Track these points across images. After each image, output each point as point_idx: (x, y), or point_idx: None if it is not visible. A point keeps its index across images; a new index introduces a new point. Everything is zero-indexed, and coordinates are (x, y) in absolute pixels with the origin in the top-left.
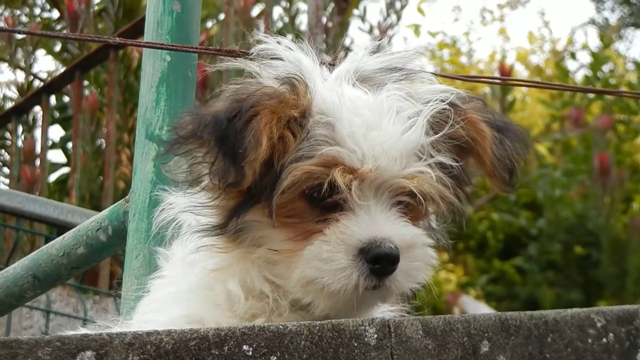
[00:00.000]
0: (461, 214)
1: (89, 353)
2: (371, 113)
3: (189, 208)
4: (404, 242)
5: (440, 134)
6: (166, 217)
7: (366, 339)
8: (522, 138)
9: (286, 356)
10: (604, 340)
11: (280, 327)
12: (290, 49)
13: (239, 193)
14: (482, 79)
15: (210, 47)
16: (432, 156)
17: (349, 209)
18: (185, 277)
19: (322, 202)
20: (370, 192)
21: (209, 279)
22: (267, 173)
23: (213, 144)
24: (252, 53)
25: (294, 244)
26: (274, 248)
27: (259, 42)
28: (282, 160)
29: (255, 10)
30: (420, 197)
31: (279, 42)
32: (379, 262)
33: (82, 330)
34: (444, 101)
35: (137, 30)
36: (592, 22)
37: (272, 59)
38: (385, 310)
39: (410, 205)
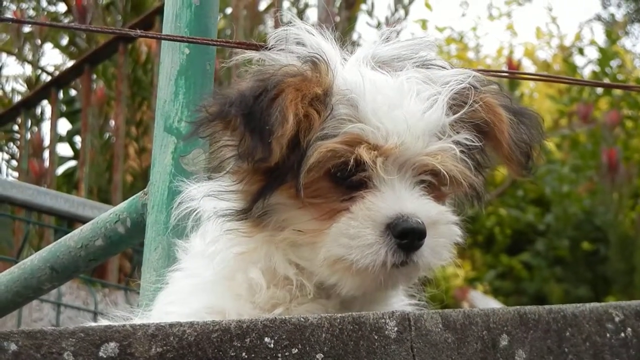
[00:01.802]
0: (481, 198)
1: (112, 344)
2: (393, 92)
3: (213, 193)
4: (429, 218)
5: (461, 112)
6: (186, 209)
7: (386, 332)
8: (537, 123)
9: (307, 348)
10: (622, 334)
11: (302, 319)
12: (310, 33)
13: (263, 176)
14: (490, 72)
15: (230, 40)
16: (452, 135)
17: (374, 187)
18: (206, 269)
19: (347, 180)
20: (394, 169)
21: (230, 269)
22: (292, 152)
23: (239, 121)
24: (273, 38)
25: (320, 223)
26: (299, 229)
27: (280, 23)
28: (308, 137)
29: (263, 4)
30: (445, 173)
31: (299, 27)
32: (406, 236)
33: (105, 322)
34: (463, 82)
35: (146, 24)
36: (598, 18)
37: (292, 43)
38: (404, 304)
39: (432, 185)
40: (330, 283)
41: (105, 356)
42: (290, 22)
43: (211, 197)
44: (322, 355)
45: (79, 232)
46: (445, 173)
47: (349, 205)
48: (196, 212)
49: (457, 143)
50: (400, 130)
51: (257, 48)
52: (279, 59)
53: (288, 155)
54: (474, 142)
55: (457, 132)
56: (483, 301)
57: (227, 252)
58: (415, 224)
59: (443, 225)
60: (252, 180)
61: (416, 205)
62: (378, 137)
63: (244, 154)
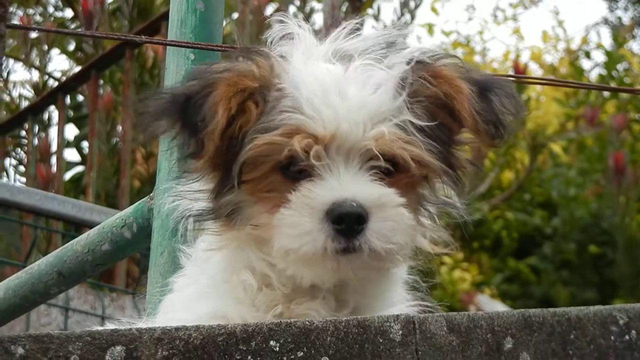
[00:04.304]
0: (456, 181)
1: (118, 348)
2: (333, 81)
3: (184, 194)
4: (372, 202)
5: (404, 95)
6: (182, 213)
7: (391, 335)
8: (508, 91)
9: (312, 352)
10: (627, 337)
11: (307, 323)
12: (299, 26)
13: (218, 173)
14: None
15: (235, 46)
16: (396, 117)
17: (317, 175)
18: (203, 274)
19: (294, 172)
20: (340, 157)
21: (223, 272)
22: (234, 146)
23: (173, 118)
24: (279, 36)
25: (270, 217)
26: (255, 223)
27: (279, 21)
28: (244, 130)
29: (270, 10)
30: (392, 156)
31: (289, 19)
32: (342, 221)
33: (112, 326)
34: (411, 62)
35: (153, 29)
36: (605, 21)
37: (283, 35)
38: (407, 305)
39: (390, 171)
40: (289, 275)
41: None
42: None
43: (184, 198)
44: (328, 359)
45: (85, 237)
46: (388, 157)
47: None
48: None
49: (410, 123)
50: (338, 117)
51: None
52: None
53: (229, 151)
54: (428, 120)
55: (414, 112)
56: (490, 305)
57: (217, 255)
58: (350, 207)
59: (390, 208)
60: (209, 177)
61: (356, 189)
62: (314, 126)
63: (178, 149)
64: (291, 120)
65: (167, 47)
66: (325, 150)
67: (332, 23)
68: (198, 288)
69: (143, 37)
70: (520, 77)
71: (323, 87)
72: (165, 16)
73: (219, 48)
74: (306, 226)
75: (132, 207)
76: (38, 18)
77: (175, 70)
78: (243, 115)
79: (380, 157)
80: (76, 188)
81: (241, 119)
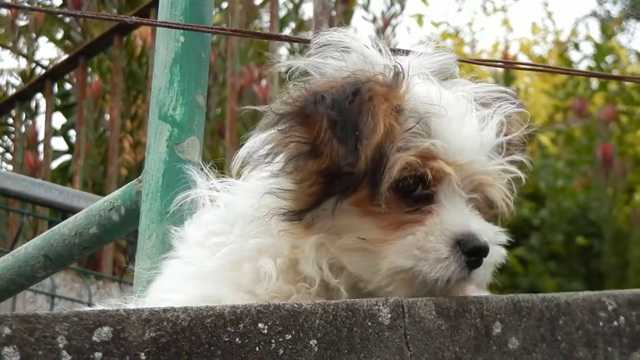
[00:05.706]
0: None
1: (106, 329)
2: (458, 109)
3: (271, 191)
4: (489, 238)
5: (515, 134)
6: (187, 197)
7: (380, 319)
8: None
9: (301, 334)
10: (615, 323)
11: (296, 305)
12: (366, 46)
13: (325, 179)
14: (487, 62)
15: (225, 27)
16: (507, 155)
17: (439, 202)
18: (205, 258)
19: (413, 193)
20: (455, 187)
21: (237, 258)
22: (371, 160)
23: (327, 122)
24: (321, 43)
25: (385, 233)
26: (363, 237)
27: (328, 34)
28: (390, 148)
29: None
30: (495, 194)
31: (347, 33)
32: (475, 254)
33: (99, 307)
34: (513, 103)
35: (141, 16)
36: (594, 14)
37: (342, 50)
38: None
39: (478, 203)
40: (379, 290)
41: (99, 340)
42: (281, 22)
43: (269, 195)
44: (316, 341)
45: (73, 220)
46: (495, 194)
47: (418, 218)
48: (195, 199)
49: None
50: (467, 148)
51: (255, 36)
52: (323, 65)
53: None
54: (523, 162)
55: (509, 152)
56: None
57: (242, 243)
58: (484, 242)
59: (496, 245)
60: (315, 181)
61: (479, 223)
62: (448, 154)
63: (329, 155)
64: (426, 144)
65: (157, 30)
66: (451, 178)
67: (322, 12)
68: (193, 270)
69: (134, 17)
70: (511, 62)
71: (454, 114)
72: (154, 3)
73: (210, 30)
74: (443, 253)
75: (120, 190)
76: (26, 5)
77: (165, 52)
78: (388, 131)
79: (485, 193)
80: (63, 176)
81: (388, 135)
